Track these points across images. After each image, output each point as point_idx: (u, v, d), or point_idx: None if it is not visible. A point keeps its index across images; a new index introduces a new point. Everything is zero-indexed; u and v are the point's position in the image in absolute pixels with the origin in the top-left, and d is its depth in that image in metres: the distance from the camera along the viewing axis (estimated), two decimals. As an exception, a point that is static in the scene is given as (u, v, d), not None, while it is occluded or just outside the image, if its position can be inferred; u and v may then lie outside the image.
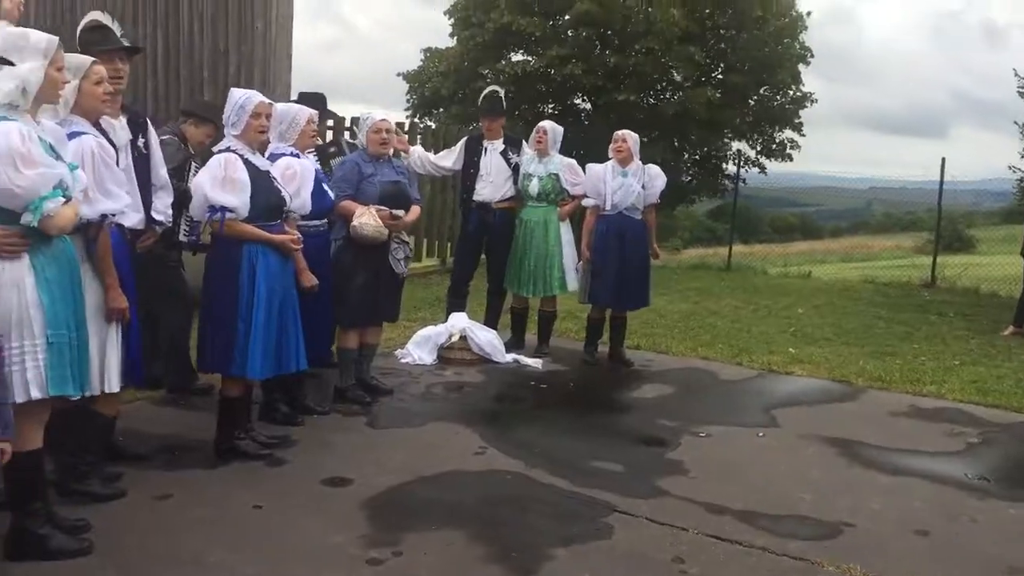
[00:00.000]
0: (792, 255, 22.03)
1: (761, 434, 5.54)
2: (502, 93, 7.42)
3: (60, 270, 3.32)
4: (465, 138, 7.54)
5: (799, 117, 16.89)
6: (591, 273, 6.95)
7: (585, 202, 7.01)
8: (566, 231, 7.21)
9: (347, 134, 9.56)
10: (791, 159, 17.34)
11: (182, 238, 5.38)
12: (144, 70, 9.14)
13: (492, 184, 7.08)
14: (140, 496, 3.98)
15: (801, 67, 16.52)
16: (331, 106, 6.93)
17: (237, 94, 4.47)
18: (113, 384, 3.78)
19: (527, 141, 7.28)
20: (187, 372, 5.50)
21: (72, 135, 3.59)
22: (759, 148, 17.14)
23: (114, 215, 3.70)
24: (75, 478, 3.86)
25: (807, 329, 9.19)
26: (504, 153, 7.12)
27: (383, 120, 5.64)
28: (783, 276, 14.18)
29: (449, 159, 7.32)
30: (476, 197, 7.10)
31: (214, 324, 4.42)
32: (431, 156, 7.45)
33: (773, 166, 17.62)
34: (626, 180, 6.78)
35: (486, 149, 7.13)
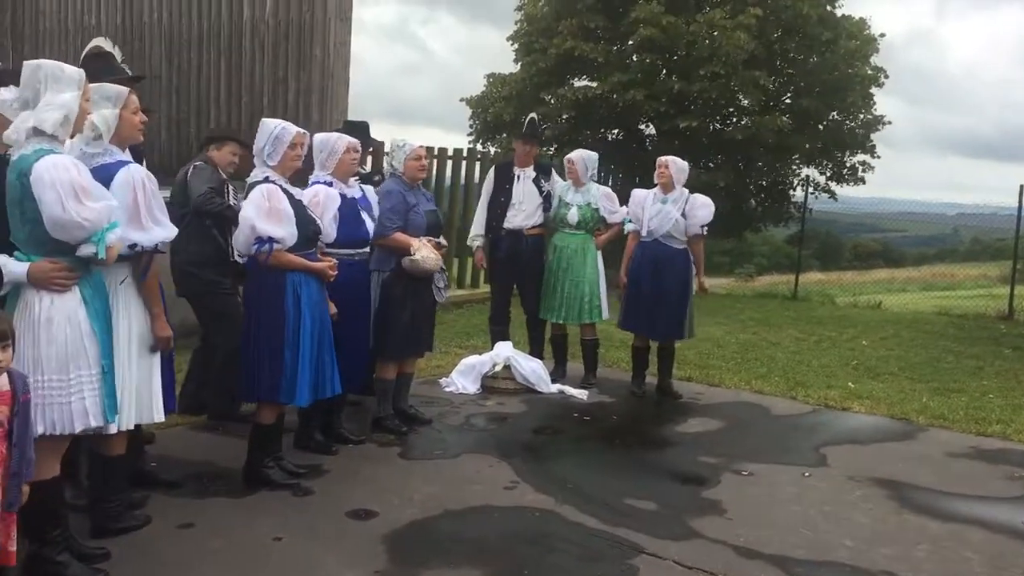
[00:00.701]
0: (870, 283, 21.42)
1: (807, 473, 5.33)
2: (538, 120, 7.42)
3: (102, 300, 3.40)
4: (494, 166, 7.54)
5: (871, 140, 16.41)
6: (624, 299, 6.86)
7: (627, 227, 6.93)
8: (600, 259, 7.13)
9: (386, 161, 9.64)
10: (863, 182, 16.84)
11: (237, 258, 5.36)
12: (207, 97, 9.40)
13: (524, 212, 7.03)
14: (163, 524, 3.99)
15: (875, 90, 16.06)
16: (405, 130, 7.03)
17: (271, 125, 4.51)
18: (157, 414, 3.82)
19: (556, 171, 7.27)
20: (232, 399, 5.54)
21: (119, 164, 3.65)
22: (829, 174, 16.69)
23: (166, 243, 3.75)
24: (112, 519, 3.87)
25: (870, 362, 8.88)
26: (536, 180, 7.08)
27: (420, 147, 5.65)
28: (851, 306, 13.77)
29: (486, 196, 7.27)
30: (507, 224, 7.05)
31: (261, 354, 4.45)
32: (479, 212, 7.38)
33: (851, 191, 17.23)
34: (664, 207, 6.66)
35: (518, 176, 7.09)
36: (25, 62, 3.31)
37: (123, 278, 3.66)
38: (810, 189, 16.02)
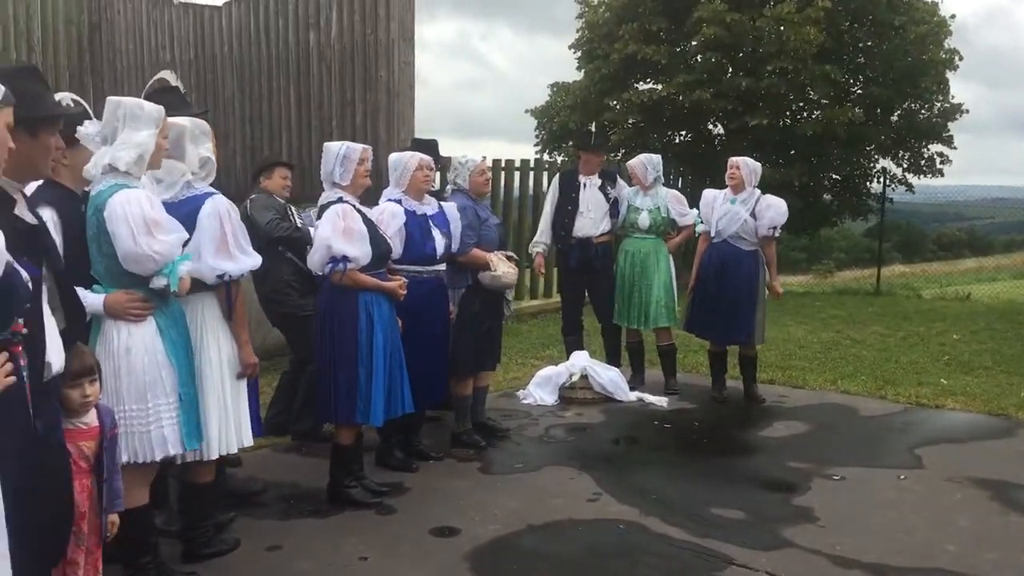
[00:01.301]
0: (957, 273, 20.73)
1: (903, 476, 5.14)
2: (603, 127, 7.40)
3: (179, 330, 3.46)
4: (558, 174, 7.49)
5: (948, 130, 15.83)
6: (689, 301, 6.77)
7: (699, 228, 6.84)
8: (671, 263, 7.04)
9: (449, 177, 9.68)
10: (941, 174, 16.25)
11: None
12: (279, 123, 9.57)
13: (592, 220, 6.95)
14: (252, 546, 4.04)
15: (950, 75, 15.51)
16: (470, 144, 7.05)
17: (335, 147, 4.56)
18: (247, 439, 3.88)
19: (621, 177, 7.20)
20: (317, 420, 5.59)
21: (205, 195, 3.72)
22: (906, 165, 16.14)
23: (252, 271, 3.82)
24: (201, 544, 3.93)
25: (963, 357, 8.56)
26: (602, 188, 7.00)
27: (484, 160, 5.65)
28: (938, 299, 13.31)
29: (551, 206, 7.22)
30: (576, 233, 6.98)
31: (337, 374, 4.48)
32: (543, 224, 7.33)
33: (931, 181, 16.65)
34: (733, 207, 6.54)
35: (584, 184, 7.03)
36: (108, 99, 3.40)
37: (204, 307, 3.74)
38: (886, 181, 15.57)
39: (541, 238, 7.24)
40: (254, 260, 3.77)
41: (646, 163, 6.95)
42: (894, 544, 4.16)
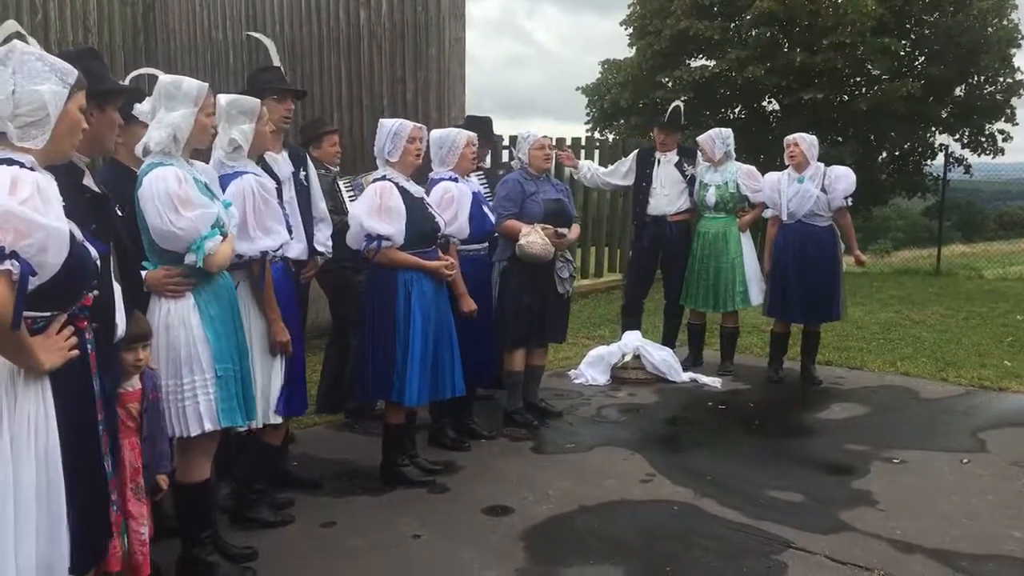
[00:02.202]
0: (1020, 253, 20.14)
1: (966, 460, 5.00)
2: (682, 108, 7.22)
3: (222, 306, 3.45)
4: (636, 151, 7.35)
5: (1011, 106, 15.34)
6: (770, 286, 6.58)
7: (766, 213, 6.68)
8: (747, 242, 6.85)
9: (505, 154, 9.62)
10: (1003, 152, 15.78)
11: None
12: (330, 102, 9.59)
13: (667, 197, 6.84)
14: (306, 523, 4.07)
15: (1014, 51, 15.00)
16: (518, 123, 6.99)
17: (388, 124, 4.53)
18: (272, 416, 3.89)
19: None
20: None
21: (235, 175, 3.73)
22: (965, 141, 15.70)
23: (275, 251, 3.81)
24: (246, 506, 4.00)
25: (1027, 338, 8.31)
26: (679, 165, 6.87)
27: (544, 136, 5.59)
28: (1001, 279, 12.94)
29: (618, 174, 7.15)
30: (651, 211, 6.88)
31: (373, 351, 4.47)
32: (601, 170, 7.32)
33: (991, 158, 16.19)
34: (802, 186, 6.36)
35: (659, 161, 6.91)
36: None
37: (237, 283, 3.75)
38: (948, 158, 15.17)
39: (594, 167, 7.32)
40: (274, 240, 3.74)
41: (715, 137, 6.78)
42: (957, 529, 4.05)
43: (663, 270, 7.10)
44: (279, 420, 3.94)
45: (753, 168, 6.87)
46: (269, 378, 3.86)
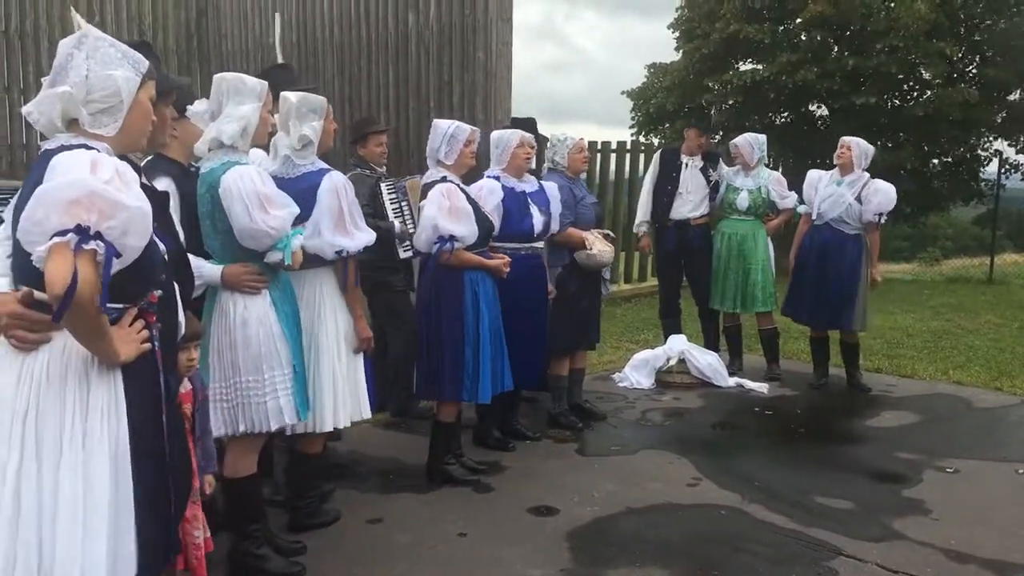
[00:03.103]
0: (1075, 263, 19.68)
1: (1021, 471, 4.90)
2: (712, 109, 7.25)
3: (290, 304, 3.51)
4: (659, 151, 7.32)
5: (1071, 111, 15.01)
6: (789, 284, 6.56)
7: (801, 208, 6.64)
8: (770, 246, 6.84)
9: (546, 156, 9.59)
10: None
11: (404, 255, 5.44)
12: (378, 104, 9.67)
13: (692, 202, 6.81)
14: (354, 519, 4.10)
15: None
16: (560, 127, 6.99)
17: (444, 125, 4.55)
18: (365, 411, 3.94)
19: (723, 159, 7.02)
20: (411, 396, 5.63)
21: (321, 172, 3.77)
22: (1020, 146, 15.34)
23: (368, 247, 3.85)
24: (307, 515, 4.01)
25: (1084, 349, 8.10)
26: (704, 169, 6.84)
27: (582, 139, 5.59)
28: (1057, 288, 12.64)
29: (648, 190, 7.08)
30: (674, 215, 6.84)
31: (444, 353, 4.48)
32: (643, 209, 7.19)
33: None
34: (838, 189, 6.29)
35: (685, 164, 6.87)
36: (214, 76, 3.47)
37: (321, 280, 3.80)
38: (1001, 164, 14.84)
39: (643, 216, 7.13)
40: (369, 236, 3.81)
41: (752, 142, 6.77)
42: (1013, 540, 3.96)
43: (688, 275, 7.08)
44: (368, 415, 3.97)
45: (781, 176, 6.93)
46: (357, 376, 3.90)
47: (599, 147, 11.28)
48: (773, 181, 6.78)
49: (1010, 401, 6.37)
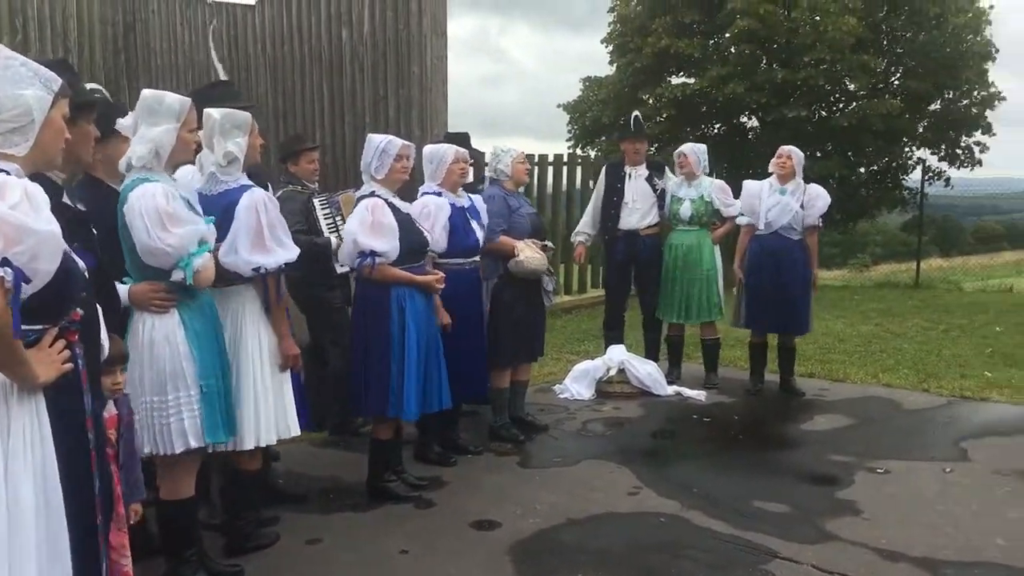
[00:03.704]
0: (997, 266, 20.38)
1: (948, 469, 5.04)
2: (642, 117, 7.28)
3: (205, 321, 3.44)
4: (605, 165, 7.40)
5: (987, 118, 15.58)
6: (743, 295, 6.63)
7: (740, 220, 6.72)
8: (718, 255, 6.92)
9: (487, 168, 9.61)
10: (980, 164, 15.99)
11: (341, 270, 5.38)
12: (312, 120, 9.60)
13: (638, 211, 6.86)
14: (293, 540, 4.04)
15: (989, 65, 15.24)
16: (498, 140, 7.01)
17: (377, 140, 4.54)
18: (294, 428, 3.87)
19: (668, 167, 7.09)
20: (349, 414, 5.59)
21: (242, 188, 3.71)
22: (942, 155, 15.92)
23: (289, 264, 3.79)
24: (243, 536, 3.94)
25: (1006, 349, 8.39)
26: (649, 179, 6.90)
27: (522, 151, 5.63)
28: (980, 291, 13.07)
29: (597, 203, 7.13)
30: (622, 225, 6.90)
31: (368, 368, 4.46)
32: (586, 222, 7.23)
33: (969, 172, 16.46)
34: (783, 198, 6.43)
35: (629, 175, 6.94)
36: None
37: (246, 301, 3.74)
38: (925, 172, 15.34)
39: (584, 228, 7.17)
40: (290, 253, 3.74)
41: (697, 151, 6.87)
42: (942, 538, 4.08)
43: (637, 284, 7.13)
44: (297, 433, 3.91)
45: (724, 183, 6.97)
46: (283, 393, 3.84)
47: (536, 160, 11.35)
48: (716, 189, 6.83)
49: (937, 402, 6.57)
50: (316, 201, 5.39)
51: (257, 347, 3.74)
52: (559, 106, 17.95)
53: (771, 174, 6.58)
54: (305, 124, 9.68)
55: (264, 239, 3.64)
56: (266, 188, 4.59)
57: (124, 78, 10.36)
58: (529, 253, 5.40)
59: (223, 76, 4.61)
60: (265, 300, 3.79)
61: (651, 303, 7.00)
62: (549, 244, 5.71)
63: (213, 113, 3.74)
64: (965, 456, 5.28)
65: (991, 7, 15.73)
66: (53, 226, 2.05)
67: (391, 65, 9.07)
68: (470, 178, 5.67)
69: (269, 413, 3.76)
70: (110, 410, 2.96)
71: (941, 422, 6.07)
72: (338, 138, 9.36)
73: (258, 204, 3.66)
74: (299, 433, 3.96)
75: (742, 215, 6.67)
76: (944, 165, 16.20)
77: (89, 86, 4.06)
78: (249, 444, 3.69)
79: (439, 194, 5.01)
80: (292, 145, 5.67)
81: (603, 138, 16.78)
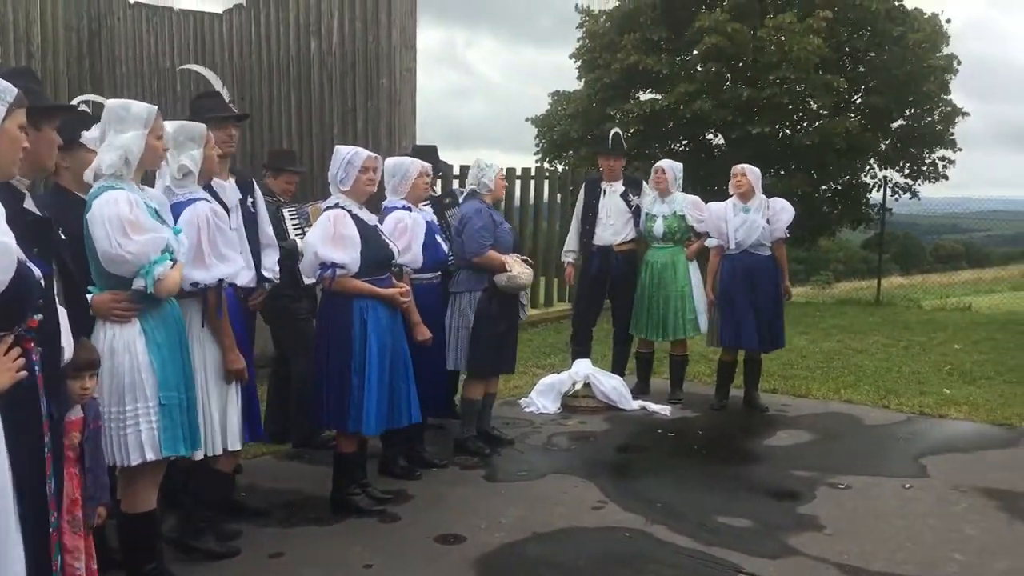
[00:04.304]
0: (957, 285, 20.73)
1: (908, 485, 5.11)
2: (622, 134, 7.31)
3: (168, 332, 3.40)
4: (585, 181, 7.43)
5: (951, 133, 15.91)
6: (719, 315, 6.68)
7: (708, 242, 6.75)
8: (695, 271, 6.95)
9: (455, 183, 9.61)
10: (946, 178, 16.31)
11: (308, 282, 5.37)
12: (279, 130, 9.56)
13: (612, 227, 6.90)
14: (254, 554, 4.00)
15: (950, 77, 15.58)
16: (465, 153, 7.02)
17: (343, 151, 4.52)
18: (235, 442, 3.84)
19: (647, 182, 7.12)
20: (313, 426, 5.54)
21: (188, 202, 3.69)
22: (907, 172, 16.22)
23: (229, 278, 3.77)
24: (191, 535, 3.92)
25: (964, 367, 8.53)
26: (624, 195, 6.94)
27: (502, 168, 5.66)
28: (939, 309, 13.28)
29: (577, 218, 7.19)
30: (596, 241, 6.93)
31: (329, 380, 4.43)
32: (571, 242, 7.27)
33: (930, 192, 16.77)
34: (748, 216, 6.49)
35: (605, 191, 6.98)
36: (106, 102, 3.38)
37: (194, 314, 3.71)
38: (889, 191, 15.60)
39: (570, 247, 7.20)
40: (230, 268, 3.70)
41: (675, 168, 6.92)
42: (901, 553, 4.13)
43: (611, 300, 7.15)
44: (238, 447, 3.88)
45: (698, 199, 6.96)
46: (225, 406, 3.80)
47: (504, 172, 11.36)
48: (689, 205, 6.84)
49: (897, 418, 6.66)
50: (285, 211, 5.40)
51: (201, 360, 3.70)
52: (528, 120, 18.07)
53: (733, 194, 6.64)
54: (272, 135, 9.64)
55: (204, 254, 3.62)
56: (251, 187, 4.60)
57: (88, 85, 10.23)
58: (520, 269, 5.45)
59: (218, 87, 4.58)
60: (204, 314, 3.73)
61: (624, 319, 7.02)
62: (528, 259, 5.74)
63: (167, 126, 3.70)
64: (924, 472, 5.35)
65: (948, 21, 16.04)
66: (7, 237, 2.05)
67: (360, 77, 9.06)
68: (437, 191, 5.68)
69: (213, 426, 3.73)
70: (76, 413, 2.95)
71: (901, 438, 6.15)
72: (306, 149, 9.32)
73: (200, 219, 3.63)
74: (239, 448, 3.93)
75: (710, 237, 6.71)
76: (909, 181, 16.48)
77: (86, 98, 4.06)
78: (197, 455, 3.65)
79: (408, 208, 5.00)
80: (282, 161, 5.68)
81: (570, 152, 16.88)
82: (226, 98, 4.58)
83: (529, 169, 11.96)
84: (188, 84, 9.70)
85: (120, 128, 3.25)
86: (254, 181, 4.79)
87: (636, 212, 6.92)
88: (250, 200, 4.57)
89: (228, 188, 4.25)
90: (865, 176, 16.28)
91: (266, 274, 4.65)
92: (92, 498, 2.99)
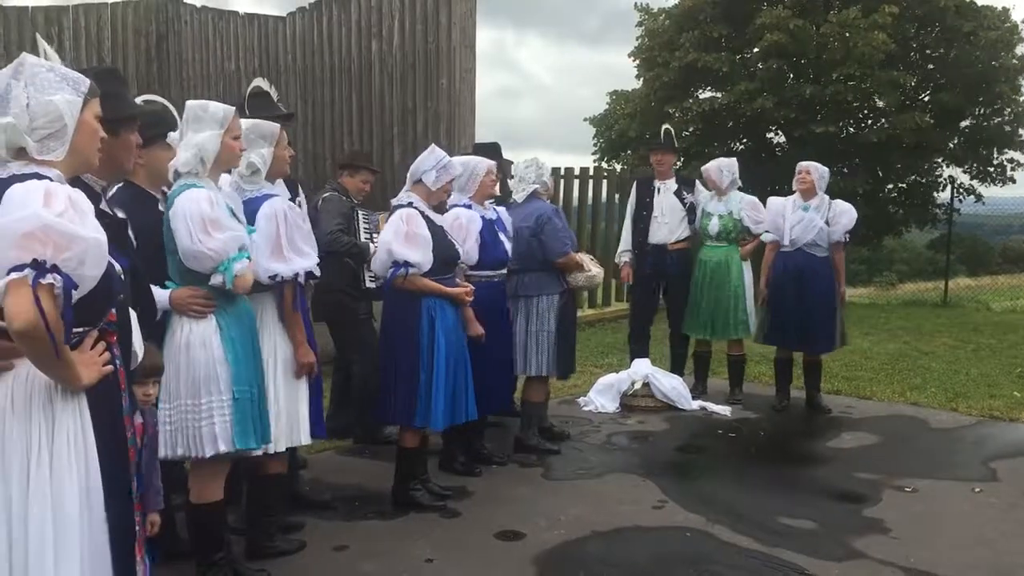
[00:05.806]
0: (1025, 287, 20.14)
1: (978, 489, 4.99)
2: (673, 131, 7.27)
3: (242, 328, 3.48)
4: (636, 181, 7.40)
5: (1020, 136, 15.43)
6: (767, 312, 6.60)
7: (764, 237, 6.68)
8: (748, 271, 6.87)
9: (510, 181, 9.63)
10: (1013, 181, 15.85)
11: (369, 285, 5.50)
12: (341, 131, 9.69)
13: (667, 225, 6.87)
14: (319, 547, 4.07)
15: (1022, 80, 15.13)
16: (519, 153, 7.06)
17: (441, 153, 4.59)
18: (304, 437, 3.91)
19: (700, 182, 7.08)
20: (375, 422, 5.61)
21: (264, 197, 3.77)
22: (974, 172, 15.79)
23: (308, 272, 3.83)
24: (265, 537, 3.97)
25: (1036, 370, 8.29)
26: (678, 192, 6.90)
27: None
28: (1009, 311, 12.93)
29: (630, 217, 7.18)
30: (651, 240, 6.90)
31: (397, 377, 4.49)
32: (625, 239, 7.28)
33: (998, 191, 16.31)
34: (807, 214, 6.39)
35: (659, 189, 6.94)
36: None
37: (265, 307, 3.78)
38: (955, 190, 15.20)
39: (624, 246, 7.16)
40: (309, 261, 3.78)
41: (722, 167, 6.84)
42: (970, 557, 4.04)
43: (666, 299, 7.12)
44: (308, 441, 3.95)
45: (756, 200, 6.89)
46: (296, 401, 3.86)
47: (562, 173, 11.37)
48: (747, 206, 6.79)
49: (965, 422, 6.50)
50: (360, 212, 5.51)
51: (272, 354, 3.77)
52: (586, 119, 18.02)
53: (796, 191, 6.55)
54: (333, 136, 9.79)
55: (282, 247, 3.69)
56: (296, 195, 4.68)
57: (156, 87, 10.50)
58: (598, 268, 5.49)
59: (266, 87, 4.67)
60: (279, 308, 3.81)
61: (679, 318, 6.98)
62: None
63: (242, 124, 3.79)
64: (994, 476, 5.22)
65: (1023, 22, 15.62)
66: (99, 233, 2.09)
67: (420, 77, 9.15)
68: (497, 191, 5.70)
69: (280, 421, 3.78)
70: (138, 419, 2.99)
71: (970, 442, 6.01)
72: (365, 148, 9.44)
73: (278, 213, 3.71)
74: (310, 442, 3.99)
75: (767, 232, 6.64)
76: (975, 183, 16.07)
77: (147, 97, 4.17)
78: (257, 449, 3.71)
79: (469, 206, 5.04)
80: (358, 159, 5.77)
81: (628, 152, 16.79)
82: (274, 97, 4.65)
83: (587, 169, 11.95)
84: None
85: (197, 127, 3.34)
86: (298, 182, 4.87)
87: (691, 210, 6.88)
88: (297, 200, 4.64)
89: (279, 188, 4.32)
90: (932, 176, 15.88)
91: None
92: (146, 506, 3.03)
